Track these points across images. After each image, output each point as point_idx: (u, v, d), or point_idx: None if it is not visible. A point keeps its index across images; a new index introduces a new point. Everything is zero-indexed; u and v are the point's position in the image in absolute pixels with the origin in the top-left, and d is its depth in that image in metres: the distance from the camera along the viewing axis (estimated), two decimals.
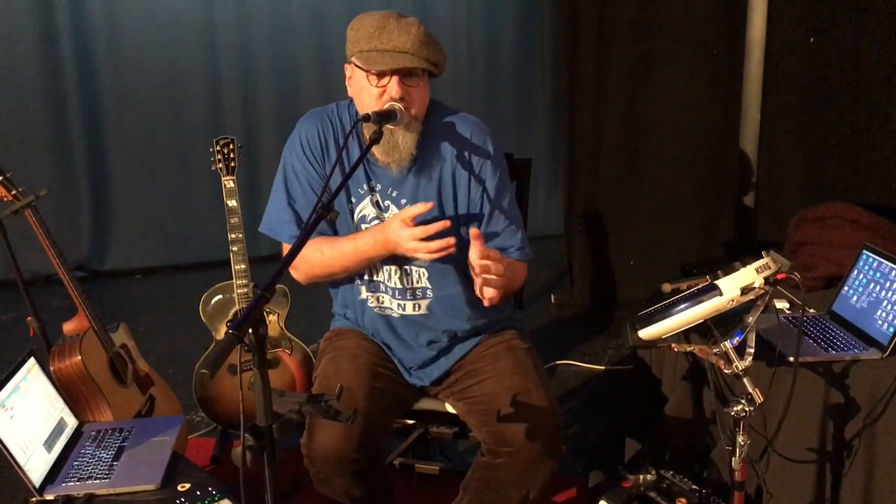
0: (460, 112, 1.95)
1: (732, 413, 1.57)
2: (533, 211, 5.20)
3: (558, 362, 3.44)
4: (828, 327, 2.07)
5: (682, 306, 1.55)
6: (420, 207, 1.73)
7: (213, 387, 2.59)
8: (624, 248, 4.08)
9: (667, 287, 1.99)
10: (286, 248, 1.91)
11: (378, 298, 1.96)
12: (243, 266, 2.48)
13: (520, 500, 1.86)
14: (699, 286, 1.55)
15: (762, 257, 1.53)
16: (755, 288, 1.50)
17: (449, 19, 5.10)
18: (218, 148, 2.47)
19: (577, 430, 2.88)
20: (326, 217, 1.50)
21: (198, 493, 1.76)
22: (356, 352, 1.96)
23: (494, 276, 1.69)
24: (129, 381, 2.34)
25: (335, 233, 1.94)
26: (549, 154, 5.40)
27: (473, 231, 1.69)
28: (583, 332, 3.82)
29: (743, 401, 1.56)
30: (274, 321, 2.58)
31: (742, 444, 1.60)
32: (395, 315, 1.96)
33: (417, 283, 1.92)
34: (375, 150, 1.82)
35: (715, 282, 1.52)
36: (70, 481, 1.80)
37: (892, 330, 1.90)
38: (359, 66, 1.79)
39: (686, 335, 1.97)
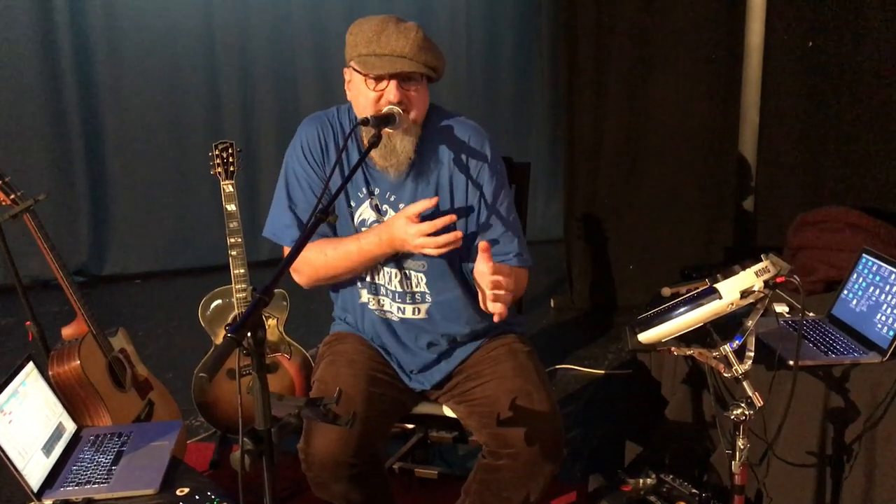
0: (459, 116, 1.95)
1: (732, 417, 1.57)
2: (532, 215, 5.22)
3: (558, 367, 3.43)
4: (827, 331, 2.07)
5: (682, 310, 1.54)
6: (424, 204, 1.74)
7: (212, 391, 2.58)
8: (623, 252, 4.08)
9: (666, 291, 1.99)
10: (287, 252, 1.91)
11: (379, 301, 1.96)
12: (242, 270, 2.48)
13: (520, 502, 1.85)
14: (699, 290, 1.55)
15: (761, 261, 1.53)
16: (755, 291, 1.50)
17: (448, 23, 5.11)
18: (217, 152, 2.47)
19: (576, 434, 2.87)
20: (325, 220, 1.50)
21: (197, 497, 1.76)
22: (355, 357, 1.96)
23: (504, 292, 1.67)
24: (128, 385, 2.33)
25: (336, 237, 1.94)
26: (549, 158, 5.40)
27: (482, 244, 1.68)
28: (582, 336, 3.82)
29: (743, 404, 1.56)
30: (273, 325, 2.58)
31: (742, 447, 1.60)
32: (395, 318, 1.96)
33: (417, 287, 1.92)
34: (374, 154, 1.82)
35: (714, 285, 1.52)
36: (68, 486, 1.80)
37: (891, 333, 1.90)
38: (357, 71, 1.79)
39: (686, 338, 1.97)
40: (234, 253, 2.47)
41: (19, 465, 1.74)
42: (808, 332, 2.07)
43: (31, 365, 1.95)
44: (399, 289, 1.92)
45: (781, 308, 2.19)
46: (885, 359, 1.89)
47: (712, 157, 3.89)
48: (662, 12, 3.73)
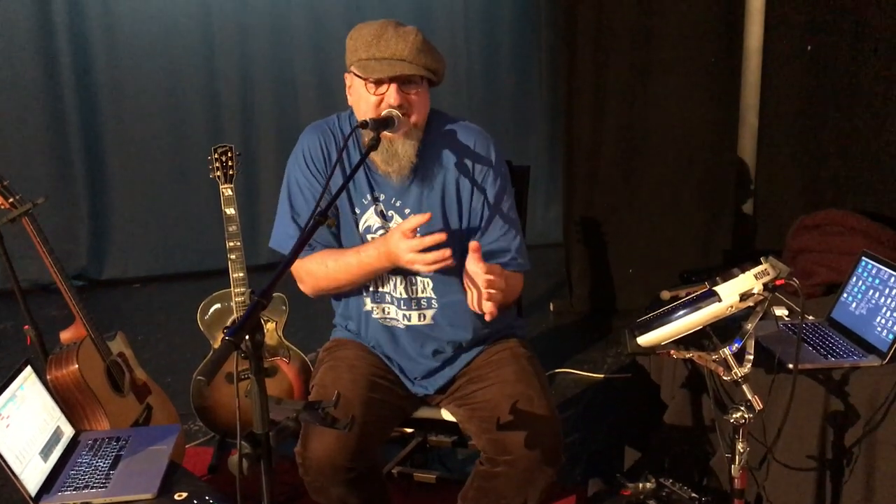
0: (462, 120, 1.95)
1: (732, 420, 1.57)
2: (532, 219, 5.21)
3: (557, 371, 3.43)
4: (827, 334, 2.07)
5: (681, 313, 1.54)
6: (419, 219, 1.72)
7: (210, 395, 2.58)
8: (622, 255, 4.08)
9: (665, 294, 1.99)
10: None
11: (383, 310, 1.96)
12: (241, 274, 2.48)
13: None
14: (698, 293, 1.54)
15: (761, 264, 1.53)
16: (754, 294, 1.50)
17: (448, 27, 5.11)
18: (216, 156, 2.47)
19: (576, 438, 2.87)
20: (323, 223, 1.50)
21: (195, 501, 1.75)
22: (355, 362, 1.95)
23: (496, 291, 1.68)
24: (127, 389, 2.33)
25: (341, 244, 1.94)
26: (548, 162, 5.40)
27: (473, 244, 1.69)
28: (582, 340, 3.82)
29: (742, 408, 1.56)
30: (272, 329, 2.57)
31: (741, 451, 1.59)
32: (400, 326, 1.95)
33: (422, 292, 1.92)
34: (376, 158, 1.82)
35: (714, 288, 1.52)
36: (66, 490, 1.79)
37: (891, 337, 1.90)
38: (357, 75, 1.79)
39: (685, 342, 1.96)
40: (232, 256, 2.46)
41: (17, 470, 1.73)
42: (808, 336, 2.07)
43: (29, 369, 1.94)
44: (404, 295, 1.92)
45: (781, 311, 2.19)
46: (884, 362, 1.88)
47: (711, 161, 3.89)
48: (661, 15, 3.73)
